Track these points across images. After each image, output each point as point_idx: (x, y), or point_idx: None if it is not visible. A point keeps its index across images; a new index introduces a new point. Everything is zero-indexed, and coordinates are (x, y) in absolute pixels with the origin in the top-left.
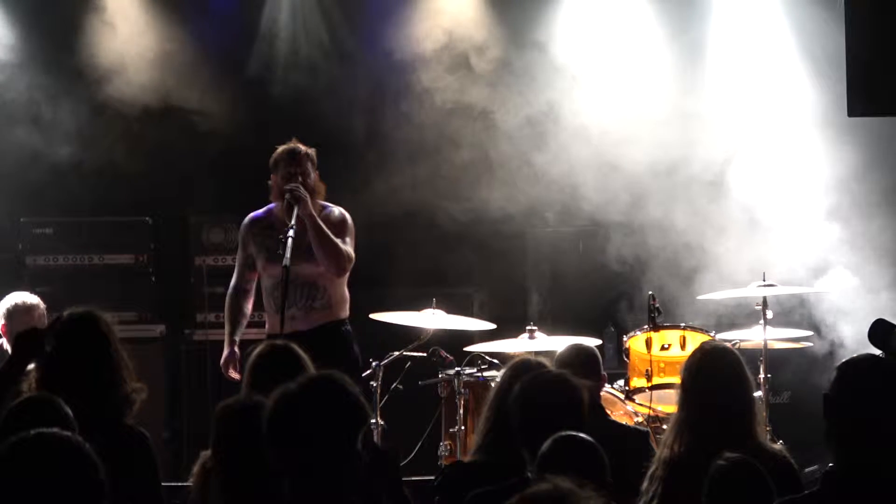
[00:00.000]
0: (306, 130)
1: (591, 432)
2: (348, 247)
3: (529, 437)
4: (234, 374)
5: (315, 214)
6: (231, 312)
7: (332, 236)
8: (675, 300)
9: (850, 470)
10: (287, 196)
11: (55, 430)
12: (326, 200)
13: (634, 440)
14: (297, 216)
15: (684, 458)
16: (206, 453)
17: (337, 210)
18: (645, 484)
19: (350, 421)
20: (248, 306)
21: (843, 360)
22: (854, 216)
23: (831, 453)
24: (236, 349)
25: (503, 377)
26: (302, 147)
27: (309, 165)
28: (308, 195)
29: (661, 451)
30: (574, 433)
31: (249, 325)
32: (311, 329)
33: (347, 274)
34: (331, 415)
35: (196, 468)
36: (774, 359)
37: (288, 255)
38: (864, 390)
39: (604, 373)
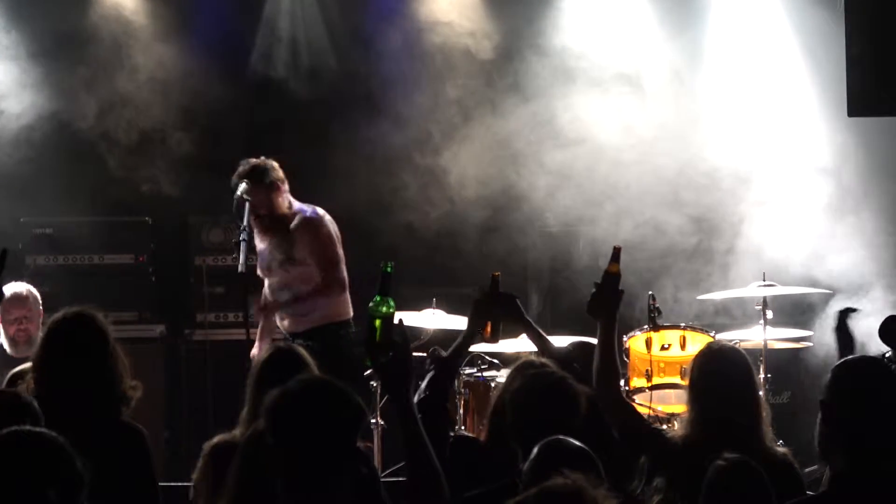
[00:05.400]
0: (307, 131)
1: (589, 433)
2: (314, 268)
3: (521, 435)
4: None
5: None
6: None
7: (303, 300)
8: (675, 300)
9: (857, 472)
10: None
11: (27, 427)
12: (330, 199)
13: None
14: (253, 217)
15: (689, 455)
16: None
17: (302, 220)
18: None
19: (347, 422)
20: None
21: (836, 364)
22: (853, 215)
23: (832, 458)
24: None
25: (507, 379)
26: (247, 183)
27: (263, 195)
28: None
29: (667, 447)
30: (563, 438)
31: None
32: (308, 330)
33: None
34: (328, 415)
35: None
36: (774, 359)
37: (242, 259)
38: (862, 392)
39: None
